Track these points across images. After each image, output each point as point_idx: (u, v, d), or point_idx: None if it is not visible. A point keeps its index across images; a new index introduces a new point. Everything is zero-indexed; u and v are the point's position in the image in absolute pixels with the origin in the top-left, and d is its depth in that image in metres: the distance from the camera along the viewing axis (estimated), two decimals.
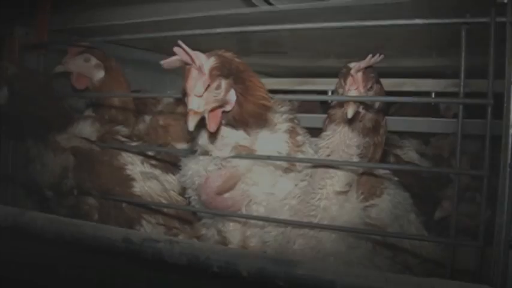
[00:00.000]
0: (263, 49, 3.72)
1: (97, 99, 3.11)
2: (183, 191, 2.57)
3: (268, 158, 2.21)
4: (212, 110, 2.01)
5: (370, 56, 2.02)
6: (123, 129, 2.93)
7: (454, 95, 2.43)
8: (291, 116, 2.40)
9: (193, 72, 1.92)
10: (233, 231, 2.36)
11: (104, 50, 3.15)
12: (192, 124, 1.90)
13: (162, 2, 3.03)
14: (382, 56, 2.02)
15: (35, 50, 3.23)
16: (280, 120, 2.34)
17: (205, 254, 1.82)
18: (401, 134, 3.81)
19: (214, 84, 1.96)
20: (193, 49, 1.92)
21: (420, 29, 2.46)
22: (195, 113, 1.90)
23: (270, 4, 2.62)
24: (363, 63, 2.01)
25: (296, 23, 2.25)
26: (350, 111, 1.96)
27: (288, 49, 3.68)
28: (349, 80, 2.02)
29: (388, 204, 2.22)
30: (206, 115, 1.97)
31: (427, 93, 3.93)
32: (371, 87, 2.07)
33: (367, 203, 2.20)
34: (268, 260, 1.76)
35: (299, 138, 2.38)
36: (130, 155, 2.75)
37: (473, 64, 1.99)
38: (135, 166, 2.72)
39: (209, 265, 1.80)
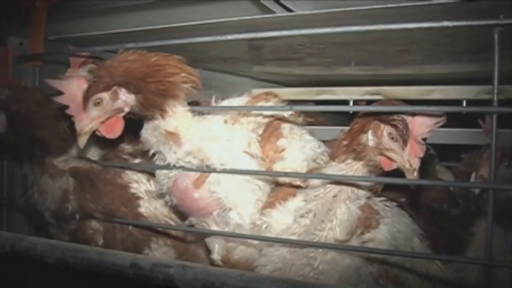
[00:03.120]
0: (277, 56, 3.75)
1: None
2: None
3: (250, 172, 2.24)
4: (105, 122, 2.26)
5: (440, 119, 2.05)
6: (126, 147, 2.96)
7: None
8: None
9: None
10: (212, 241, 2.50)
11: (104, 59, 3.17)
12: (81, 143, 2.25)
13: (168, 7, 3.07)
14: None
15: (29, 62, 3.29)
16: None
17: (220, 279, 1.85)
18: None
19: (91, 103, 2.21)
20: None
21: (448, 32, 2.49)
22: (80, 134, 2.23)
23: (289, 10, 2.65)
24: (430, 126, 2.06)
25: (314, 27, 2.25)
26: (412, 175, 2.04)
27: (304, 56, 3.71)
28: (413, 145, 2.07)
29: (386, 234, 2.26)
30: (99, 128, 2.26)
31: (458, 102, 3.95)
32: None
33: (365, 238, 2.25)
34: (289, 285, 1.79)
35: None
36: (135, 172, 2.79)
37: (508, 69, 2.01)
38: (140, 184, 2.77)
39: None
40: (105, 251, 2.14)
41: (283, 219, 2.33)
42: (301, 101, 4.27)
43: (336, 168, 2.23)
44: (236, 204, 2.35)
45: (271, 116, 2.47)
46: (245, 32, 2.30)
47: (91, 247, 2.28)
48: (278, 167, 2.39)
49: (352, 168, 2.20)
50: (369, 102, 4.45)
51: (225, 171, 2.29)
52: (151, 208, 2.72)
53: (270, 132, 2.45)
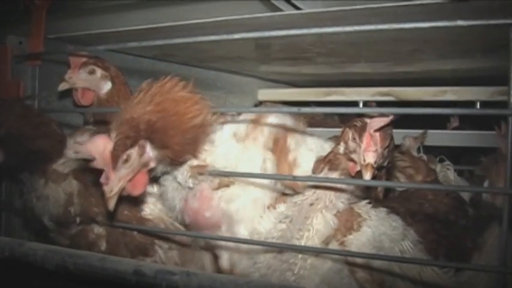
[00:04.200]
0: (284, 55, 3.75)
1: (100, 115, 3.12)
2: None
3: (248, 175, 2.25)
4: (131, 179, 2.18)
5: (391, 116, 2.05)
6: None
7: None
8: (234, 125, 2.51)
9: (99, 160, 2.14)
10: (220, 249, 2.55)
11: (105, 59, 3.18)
12: (111, 206, 2.14)
13: (172, 5, 3.05)
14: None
15: (29, 61, 3.30)
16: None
17: (227, 286, 1.85)
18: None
19: (120, 162, 2.12)
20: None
21: (462, 31, 2.49)
22: (108, 198, 2.12)
23: (297, 8, 2.65)
24: (382, 121, 2.06)
25: (323, 26, 2.23)
26: (368, 176, 2.03)
27: (313, 55, 3.71)
28: (366, 138, 2.08)
29: (369, 237, 2.27)
30: (126, 187, 2.17)
31: (471, 103, 3.95)
32: (388, 145, 2.13)
33: (345, 240, 2.26)
34: None
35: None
36: None
37: None
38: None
39: None
40: (107, 257, 2.14)
41: (267, 225, 2.40)
42: (308, 102, 4.28)
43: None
44: (245, 219, 2.42)
45: (277, 128, 2.51)
46: (252, 31, 2.29)
47: (92, 253, 2.28)
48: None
49: (325, 193, 2.24)
50: (379, 103, 4.46)
51: (229, 173, 2.32)
52: (156, 210, 2.72)
53: (279, 152, 2.49)
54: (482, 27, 1.92)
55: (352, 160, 2.14)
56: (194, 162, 2.31)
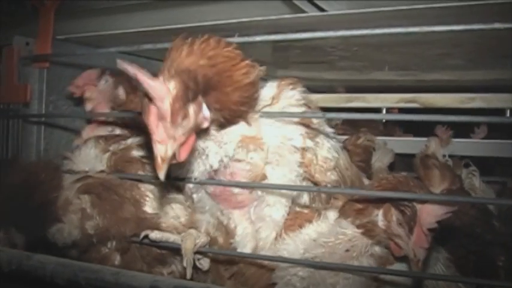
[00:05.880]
0: (304, 59, 3.75)
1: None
2: None
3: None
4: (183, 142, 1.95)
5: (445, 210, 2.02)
6: (136, 140, 2.89)
7: None
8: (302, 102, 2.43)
9: (152, 110, 1.83)
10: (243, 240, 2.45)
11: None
12: (162, 174, 1.86)
13: (188, 6, 3.04)
14: None
15: (36, 63, 3.30)
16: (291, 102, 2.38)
17: None
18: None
19: (180, 118, 1.86)
20: None
21: (496, 34, 2.47)
22: (164, 159, 1.85)
23: (321, 9, 2.64)
24: (437, 216, 2.03)
25: (347, 28, 2.23)
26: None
27: (335, 59, 3.70)
28: (418, 233, 2.06)
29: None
30: (177, 151, 1.90)
31: (500, 111, 3.93)
32: None
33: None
34: None
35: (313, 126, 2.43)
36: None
37: None
38: (155, 193, 2.72)
39: None
40: (121, 272, 2.13)
41: (292, 250, 2.36)
42: (330, 108, 4.27)
43: (349, 227, 2.25)
44: (275, 201, 2.37)
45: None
46: (272, 33, 2.29)
47: (106, 267, 2.27)
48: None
49: (363, 241, 2.22)
50: (403, 111, 4.45)
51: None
52: (170, 219, 2.70)
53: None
54: None
55: (394, 241, 2.14)
56: (245, 131, 2.22)
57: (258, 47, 3.29)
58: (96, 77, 3.13)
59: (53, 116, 3.44)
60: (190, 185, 2.45)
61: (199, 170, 2.28)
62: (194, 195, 2.48)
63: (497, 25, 1.93)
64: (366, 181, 3.12)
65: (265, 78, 2.29)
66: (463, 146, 3.97)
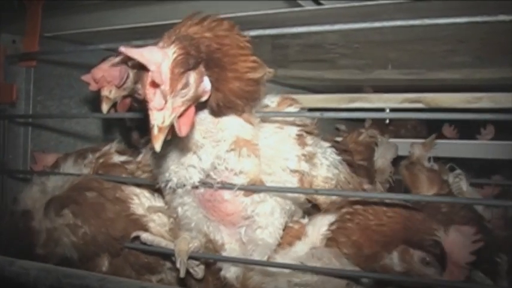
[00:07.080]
0: (304, 57, 3.73)
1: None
2: None
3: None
4: (182, 114, 1.88)
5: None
6: (116, 145, 2.91)
7: None
8: (300, 122, 2.40)
9: (150, 77, 1.75)
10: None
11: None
12: (158, 144, 1.79)
13: (179, 0, 3.01)
14: None
15: (23, 61, 3.29)
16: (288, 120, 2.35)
17: None
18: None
19: (179, 85, 1.80)
20: None
21: (503, 28, 2.45)
22: (161, 128, 1.78)
23: (318, 3, 2.61)
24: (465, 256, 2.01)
25: (345, 22, 2.22)
26: None
27: (335, 57, 3.68)
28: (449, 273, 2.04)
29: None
30: (175, 122, 1.83)
31: (508, 110, 3.91)
32: None
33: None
34: None
35: (308, 148, 2.38)
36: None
37: None
38: (141, 198, 2.72)
39: None
40: (107, 278, 2.11)
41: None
42: (331, 109, 4.26)
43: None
44: (267, 224, 2.30)
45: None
46: (269, 28, 2.27)
47: (92, 273, 2.24)
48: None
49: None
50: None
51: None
52: (158, 226, 2.68)
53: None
54: None
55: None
56: (241, 132, 2.14)
57: (256, 44, 3.26)
58: (119, 75, 2.83)
59: (40, 116, 3.42)
60: (179, 192, 2.35)
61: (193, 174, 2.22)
62: (179, 209, 2.38)
63: (501, 17, 1.92)
64: (368, 186, 3.12)
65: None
66: (469, 148, 3.95)
